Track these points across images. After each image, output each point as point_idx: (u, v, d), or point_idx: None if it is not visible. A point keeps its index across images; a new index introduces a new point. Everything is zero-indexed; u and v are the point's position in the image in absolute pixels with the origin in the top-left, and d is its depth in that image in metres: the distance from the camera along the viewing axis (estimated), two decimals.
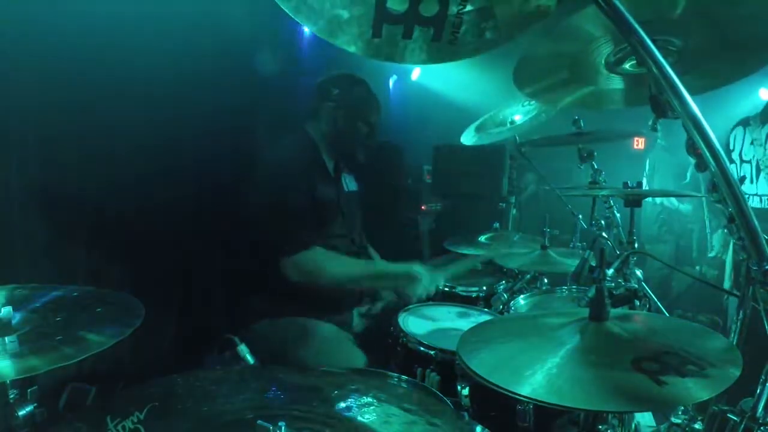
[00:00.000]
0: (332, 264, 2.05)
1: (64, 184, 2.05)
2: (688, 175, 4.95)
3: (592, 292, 1.08)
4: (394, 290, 2.25)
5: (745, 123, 3.57)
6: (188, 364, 1.77)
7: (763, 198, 3.49)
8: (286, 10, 0.89)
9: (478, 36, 0.96)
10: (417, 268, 2.14)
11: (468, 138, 3.13)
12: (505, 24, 0.96)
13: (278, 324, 2.07)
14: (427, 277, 2.13)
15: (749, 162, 3.53)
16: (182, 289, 2.56)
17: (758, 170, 3.44)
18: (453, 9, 0.92)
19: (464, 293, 2.48)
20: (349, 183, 2.42)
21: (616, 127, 2.28)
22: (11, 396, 1.08)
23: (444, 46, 0.97)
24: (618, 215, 2.15)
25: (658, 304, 1.69)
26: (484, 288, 2.50)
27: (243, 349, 1.47)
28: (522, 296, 2.18)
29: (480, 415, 1.50)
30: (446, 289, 2.54)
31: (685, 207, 5.16)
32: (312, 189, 2.08)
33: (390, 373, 1.51)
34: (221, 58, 2.48)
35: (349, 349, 2.05)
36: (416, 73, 4.93)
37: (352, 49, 0.95)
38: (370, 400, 1.02)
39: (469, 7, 0.93)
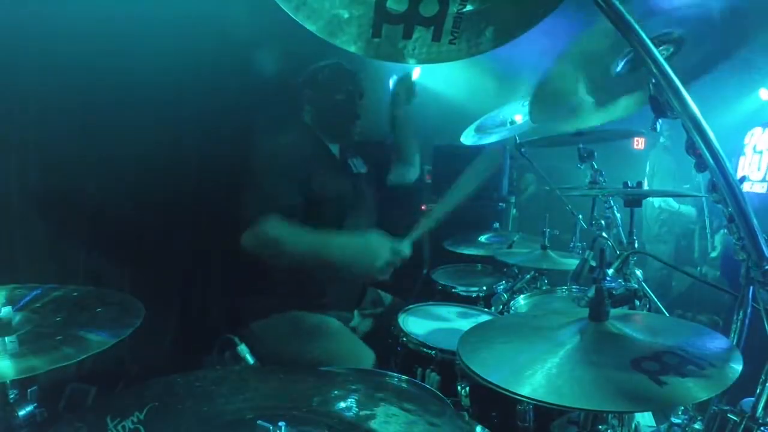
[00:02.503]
0: (284, 235, 1.90)
1: (64, 185, 2.05)
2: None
3: (592, 292, 1.08)
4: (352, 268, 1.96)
5: (764, 125, 3.70)
6: (188, 364, 1.77)
7: None
8: (287, 10, 0.89)
9: (478, 36, 0.96)
10: (374, 239, 1.90)
11: (468, 138, 3.12)
12: (504, 24, 0.96)
13: (278, 323, 2.07)
14: (387, 248, 1.88)
15: (760, 153, 3.62)
16: (182, 289, 2.56)
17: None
18: (453, 9, 0.92)
19: (464, 293, 2.48)
20: (358, 165, 2.41)
21: (615, 127, 2.28)
22: (11, 396, 1.08)
23: (444, 46, 0.97)
24: (618, 215, 2.15)
25: (658, 304, 1.69)
26: (484, 288, 2.50)
27: (243, 349, 1.47)
28: (522, 296, 2.18)
29: (480, 415, 1.50)
30: (446, 289, 2.54)
31: (686, 208, 5.16)
32: (316, 180, 2.07)
33: (390, 373, 1.51)
34: (221, 57, 2.48)
35: (356, 345, 2.05)
36: (416, 73, 4.92)
37: (352, 49, 0.95)
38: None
39: (468, 7, 0.93)
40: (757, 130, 3.80)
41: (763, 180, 3.58)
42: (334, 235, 1.99)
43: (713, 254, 4.81)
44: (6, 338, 1.05)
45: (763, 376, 1.00)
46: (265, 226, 1.89)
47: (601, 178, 2.19)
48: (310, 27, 0.91)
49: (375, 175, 2.48)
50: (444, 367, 1.64)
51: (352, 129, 2.29)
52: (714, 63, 1.23)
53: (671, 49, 1.21)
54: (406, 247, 1.92)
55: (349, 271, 1.99)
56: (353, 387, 1.08)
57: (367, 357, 1.97)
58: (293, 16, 0.89)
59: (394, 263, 1.88)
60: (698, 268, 4.89)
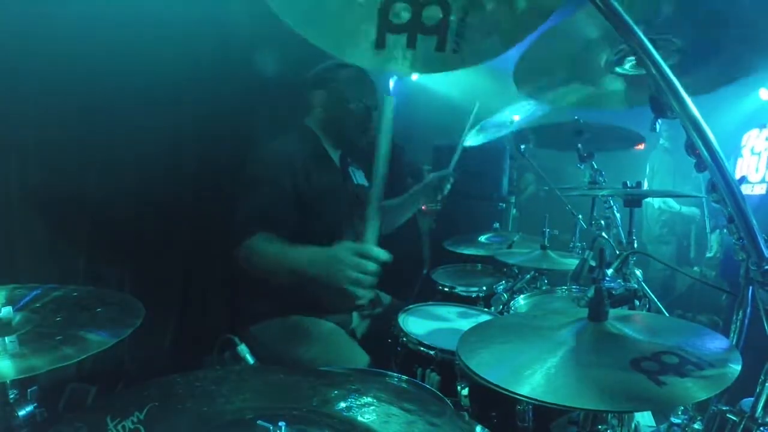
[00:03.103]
0: (266, 249, 1.84)
1: (64, 186, 2.05)
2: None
3: (591, 292, 1.08)
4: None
5: (761, 125, 3.70)
6: (188, 364, 1.77)
7: None
8: (288, 22, 0.88)
9: (481, 44, 0.96)
10: (342, 255, 1.63)
11: (468, 140, 3.13)
12: (507, 31, 0.96)
13: (278, 324, 2.07)
14: (351, 258, 1.61)
15: (758, 154, 3.63)
16: (182, 289, 2.56)
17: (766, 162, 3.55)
18: (455, 18, 0.92)
19: (464, 293, 2.48)
20: (358, 177, 2.40)
21: (618, 128, 2.28)
22: (11, 396, 1.08)
23: (447, 55, 0.97)
24: (618, 215, 2.15)
25: (658, 304, 1.69)
26: (484, 288, 2.50)
27: (243, 349, 1.47)
28: (522, 296, 2.18)
29: (480, 415, 1.50)
30: (446, 289, 2.54)
31: (687, 208, 5.16)
32: (313, 184, 2.06)
33: (390, 373, 1.51)
34: (221, 60, 2.48)
35: (351, 347, 2.05)
36: (415, 75, 4.93)
37: (357, 62, 0.95)
38: (370, 400, 1.02)
39: (471, 16, 0.92)
40: (754, 132, 3.81)
41: (763, 181, 3.58)
42: (300, 252, 1.80)
43: (708, 254, 4.82)
44: (6, 338, 1.05)
45: (762, 376, 1.00)
46: (251, 241, 1.85)
47: (600, 178, 2.19)
48: (315, 41, 0.91)
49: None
50: (444, 367, 1.64)
51: (361, 140, 2.25)
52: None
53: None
54: (373, 250, 1.64)
55: (319, 285, 1.73)
56: (353, 387, 1.08)
57: (362, 361, 1.97)
58: (297, 30, 0.89)
59: (366, 273, 1.61)
60: (694, 268, 4.91)
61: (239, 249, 1.88)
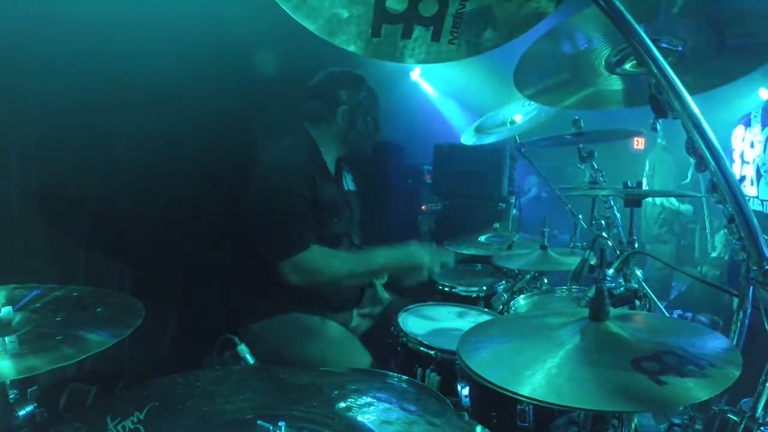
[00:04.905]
0: (331, 261, 2.04)
1: (64, 185, 2.05)
2: (689, 174, 4.96)
3: (592, 292, 1.08)
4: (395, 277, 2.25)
5: (746, 122, 3.54)
6: (188, 364, 1.77)
7: (765, 203, 3.42)
8: (286, 9, 0.88)
9: (477, 36, 0.96)
10: (415, 251, 2.13)
11: (468, 138, 3.13)
12: (504, 24, 0.96)
13: (278, 324, 2.07)
14: (426, 257, 2.12)
15: (749, 164, 3.50)
16: (182, 289, 2.56)
17: (759, 175, 3.40)
18: (452, 9, 0.92)
19: (464, 293, 2.48)
20: (348, 182, 2.41)
21: (616, 127, 2.28)
22: (11, 396, 1.08)
23: (443, 45, 0.97)
24: (618, 215, 2.15)
25: (658, 304, 1.69)
26: (484, 288, 2.50)
27: (243, 349, 1.47)
28: (522, 296, 2.18)
29: (480, 415, 1.50)
30: (446, 289, 2.54)
31: (686, 207, 5.16)
32: (312, 188, 2.07)
33: (390, 373, 1.50)
34: (220, 60, 2.47)
35: (353, 346, 2.05)
36: (416, 73, 4.94)
37: (351, 48, 0.95)
38: (370, 400, 1.02)
39: (468, 7, 0.93)
40: (739, 130, 3.60)
41: (757, 197, 3.40)
42: (380, 257, 2.15)
43: (713, 254, 4.81)
44: (6, 338, 1.05)
45: (763, 376, 1.00)
46: (309, 256, 1.98)
47: (601, 178, 2.19)
48: (309, 26, 0.91)
49: (366, 192, 2.50)
50: (444, 367, 1.64)
51: (365, 152, 2.34)
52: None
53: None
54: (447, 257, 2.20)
55: (391, 295, 2.25)
56: (353, 387, 1.08)
57: (364, 360, 1.97)
58: (292, 15, 0.89)
59: (434, 272, 2.11)
60: (698, 268, 4.90)
61: (290, 263, 1.97)
